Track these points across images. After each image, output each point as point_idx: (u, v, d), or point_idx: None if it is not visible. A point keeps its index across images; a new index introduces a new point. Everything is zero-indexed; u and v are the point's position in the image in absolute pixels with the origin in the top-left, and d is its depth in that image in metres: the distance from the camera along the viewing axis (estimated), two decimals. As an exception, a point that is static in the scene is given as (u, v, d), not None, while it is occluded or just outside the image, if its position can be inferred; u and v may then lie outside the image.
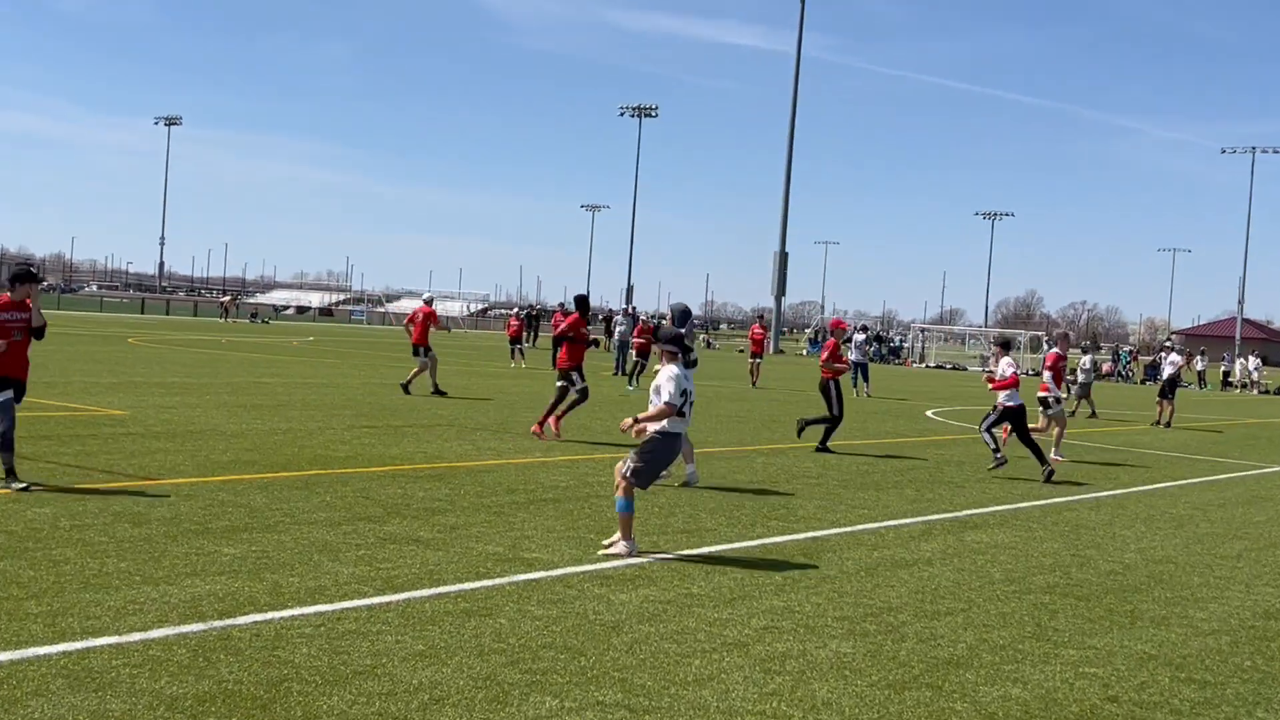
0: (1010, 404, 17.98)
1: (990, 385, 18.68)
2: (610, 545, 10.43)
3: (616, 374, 39.50)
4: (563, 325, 19.60)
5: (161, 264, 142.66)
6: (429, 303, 27.86)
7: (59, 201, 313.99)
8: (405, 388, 25.47)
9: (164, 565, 8.91)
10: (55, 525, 10.05)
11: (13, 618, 7.32)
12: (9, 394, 11.63)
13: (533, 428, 18.88)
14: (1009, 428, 18.61)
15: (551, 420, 18.82)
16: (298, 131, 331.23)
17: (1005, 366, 18.48)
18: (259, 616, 7.71)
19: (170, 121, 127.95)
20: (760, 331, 43.13)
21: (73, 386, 22.86)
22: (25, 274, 12.06)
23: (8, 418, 11.50)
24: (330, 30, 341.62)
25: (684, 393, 10.57)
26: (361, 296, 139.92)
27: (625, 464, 10.37)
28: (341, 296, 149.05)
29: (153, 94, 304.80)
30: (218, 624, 7.48)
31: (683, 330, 10.97)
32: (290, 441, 16.44)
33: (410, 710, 6.20)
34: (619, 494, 10.36)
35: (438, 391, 25.46)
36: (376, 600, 8.32)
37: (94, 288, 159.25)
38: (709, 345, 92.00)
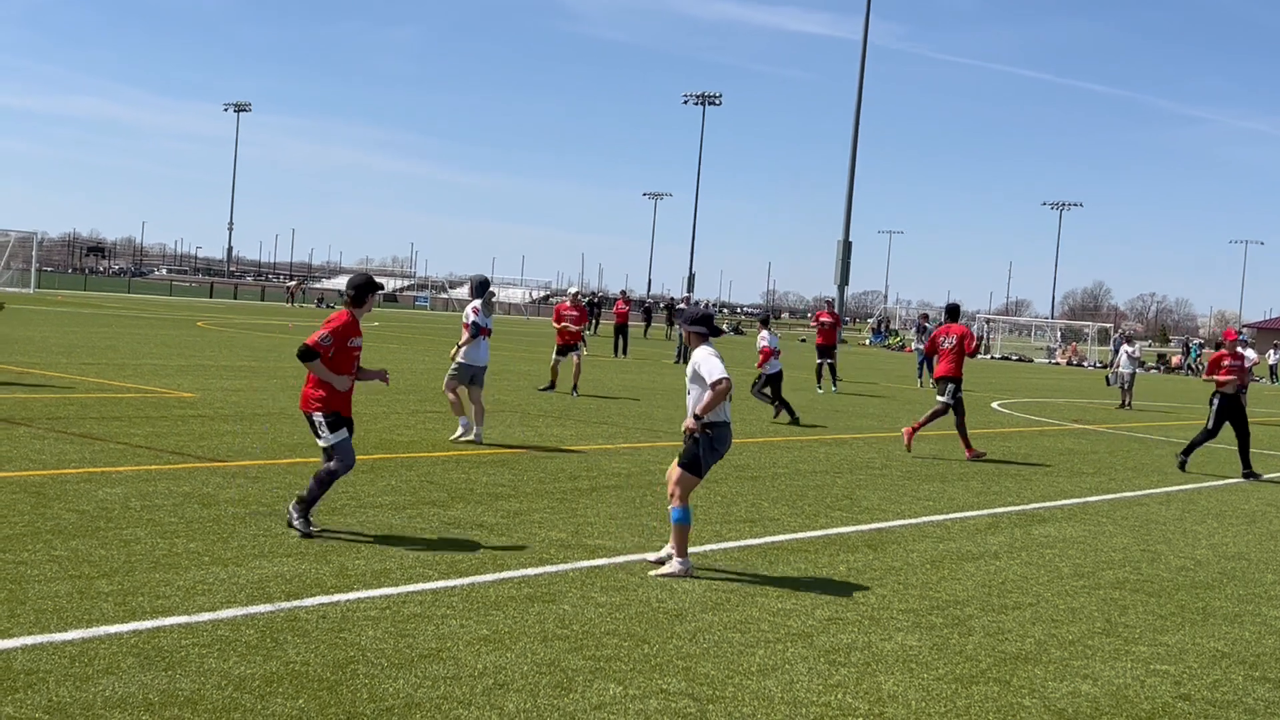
0: (770, 371, 22.31)
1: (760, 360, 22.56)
2: (660, 562, 9.45)
3: (678, 362, 39.46)
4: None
5: (230, 249, 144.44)
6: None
7: (130, 186, 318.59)
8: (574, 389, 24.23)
9: (232, 546, 9.00)
10: (126, 505, 10.17)
11: (84, 596, 7.41)
12: (345, 434, 9.96)
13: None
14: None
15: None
16: (364, 118, 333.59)
17: (761, 340, 22.76)
18: (325, 598, 7.76)
19: (240, 108, 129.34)
20: (826, 316, 40.92)
21: (144, 369, 23.15)
22: (368, 284, 10.26)
23: (347, 462, 9.87)
24: (398, 17, 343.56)
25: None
26: (425, 283, 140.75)
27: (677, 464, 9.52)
28: (405, 282, 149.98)
29: (223, 80, 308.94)
30: (285, 605, 7.54)
31: (707, 314, 9.97)
32: (356, 425, 16.52)
33: (475, 695, 6.21)
34: (675, 503, 9.30)
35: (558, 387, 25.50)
36: (441, 584, 8.35)
37: (163, 271, 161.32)
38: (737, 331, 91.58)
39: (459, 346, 16.31)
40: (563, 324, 24.77)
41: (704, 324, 9.74)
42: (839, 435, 20.43)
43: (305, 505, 9.60)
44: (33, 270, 73.73)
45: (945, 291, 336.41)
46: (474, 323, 16.36)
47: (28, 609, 7.07)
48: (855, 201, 79.17)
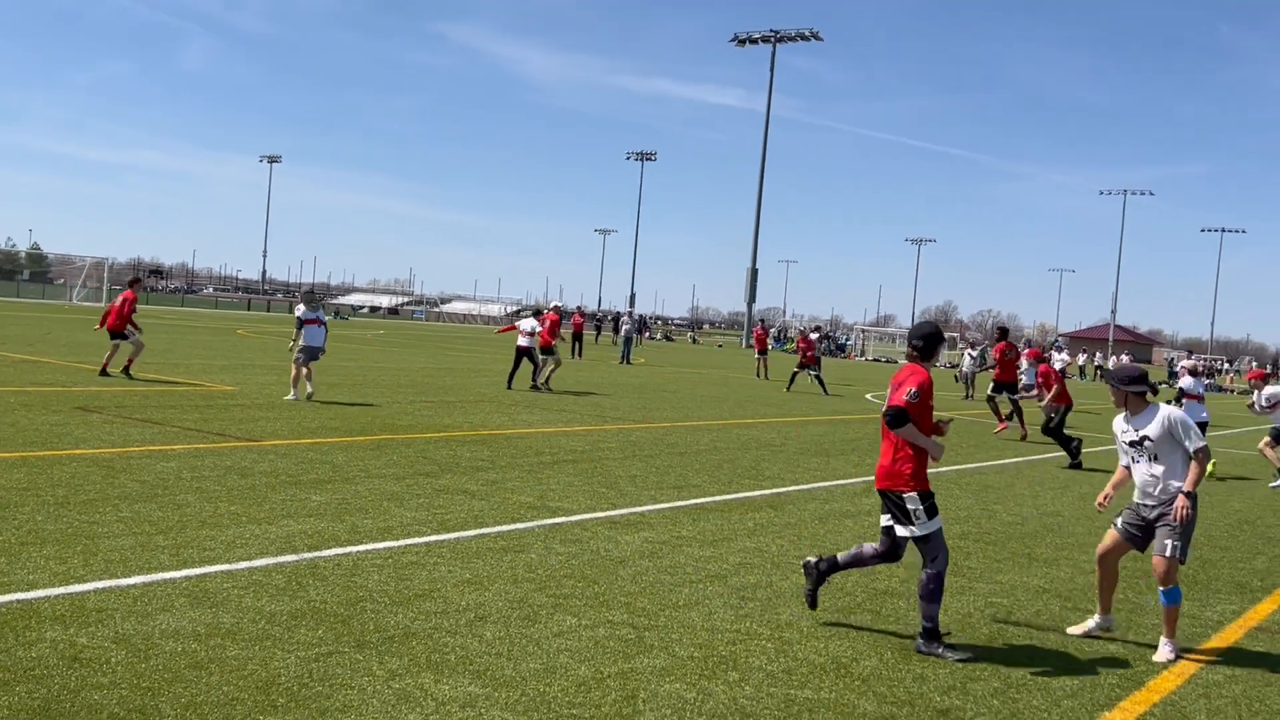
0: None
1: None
2: (1161, 651, 6.71)
3: (622, 363, 39.42)
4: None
5: (264, 271, 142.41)
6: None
7: (183, 221, 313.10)
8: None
9: (265, 509, 8.88)
10: (179, 476, 10.01)
11: (145, 549, 7.28)
12: (939, 520, 6.55)
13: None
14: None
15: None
16: (373, 167, 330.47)
17: (525, 323, 23.04)
18: (340, 550, 7.68)
19: (272, 160, 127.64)
20: (761, 332, 40.06)
21: (193, 367, 22.80)
22: (938, 335, 6.73)
23: (945, 556, 6.51)
24: (401, 88, 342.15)
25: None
26: (421, 299, 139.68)
27: (1165, 545, 6.79)
28: (405, 299, 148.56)
29: (258, 137, 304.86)
30: (307, 555, 7.45)
31: (1145, 371, 7.20)
32: (365, 413, 16.40)
33: (459, 625, 6.17)
34: (1166, 584, 6.75)
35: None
36: (433, 539, 8.29)
37: (210, 290, 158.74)
38: (693, 340, 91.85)
39: (293, 341, 17.80)
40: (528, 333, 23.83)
41: (1142, 383, 7.03)
42: (747, 420, 20.49)
43: (932, 634, 6.40)
44: (104, 288, 72.96)
45: (830, 307, 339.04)
46: (298, 318, 17.94)
47: (99, 559, 6.94)
48: (760, 236, 79.45)
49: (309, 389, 17.60)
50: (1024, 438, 20.47)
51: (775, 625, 6.70)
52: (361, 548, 7.81)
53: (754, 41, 77.21)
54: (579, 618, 6.50)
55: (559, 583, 7.27)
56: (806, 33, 75.50)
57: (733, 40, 78.18)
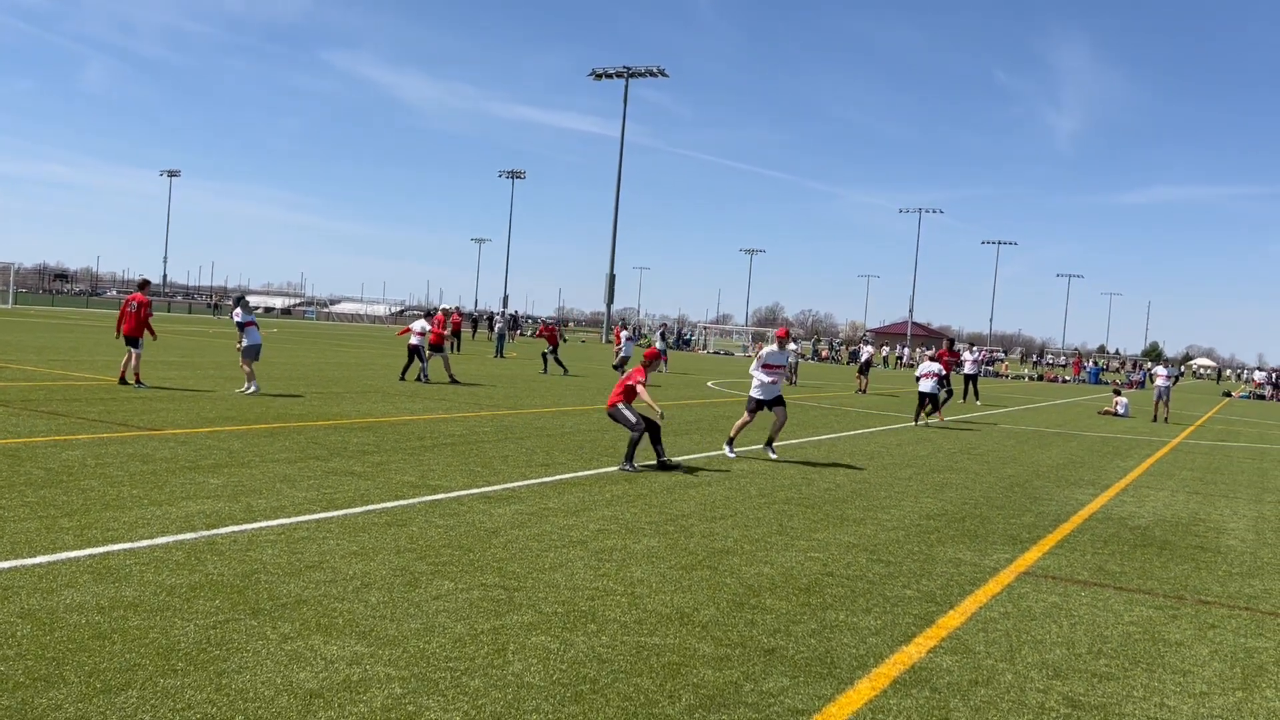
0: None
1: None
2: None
3: (496, 356, 39.00)
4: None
5: (165, 275, 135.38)
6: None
7: (86, 229, 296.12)
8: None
9: (165, 491, 8.47)
10: (84, 463, 9.47)
11: (50, 530, 6.87)
12: None
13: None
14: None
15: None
16: (264, 180, 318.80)
17: (417, 324, 22.56)
18: (236, 528, 7.39)
19: (172, 174, 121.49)
20: (620, 329, 41.12)
21: (97, 363, 21.59)
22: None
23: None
24: (289, 110, 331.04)
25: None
26: (312, 301, 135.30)
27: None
28: (297, 300, 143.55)
29: (158, 151, 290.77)
30: (205, 533, 7.14)
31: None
32: (259, 403, 15.81)
33: (347, 592, 6.01)
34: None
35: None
36: (323, 515, 8.05)
37: (114, 293, 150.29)
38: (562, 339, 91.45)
39: (238, 344, 17.42)
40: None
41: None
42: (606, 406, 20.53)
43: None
44: (10, 291, 68.45)
45: (677, 307, 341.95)
46: (238, 323, 17.61)
47: (4, 541, 6.51)
48: (617, 245, 79.73)
49: (253, 386, 17.20)
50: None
51: (628, 582, 6.74)
52: (256, 525, 7.53)
53: (609, 76, 77.25)
54: (456, 582, 6.41)
55: (438, 552, 7.16)
56: (655, 69, 75.92)
57: (591, 74, 78.08)
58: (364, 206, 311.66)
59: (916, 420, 21.76)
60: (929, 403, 21.35)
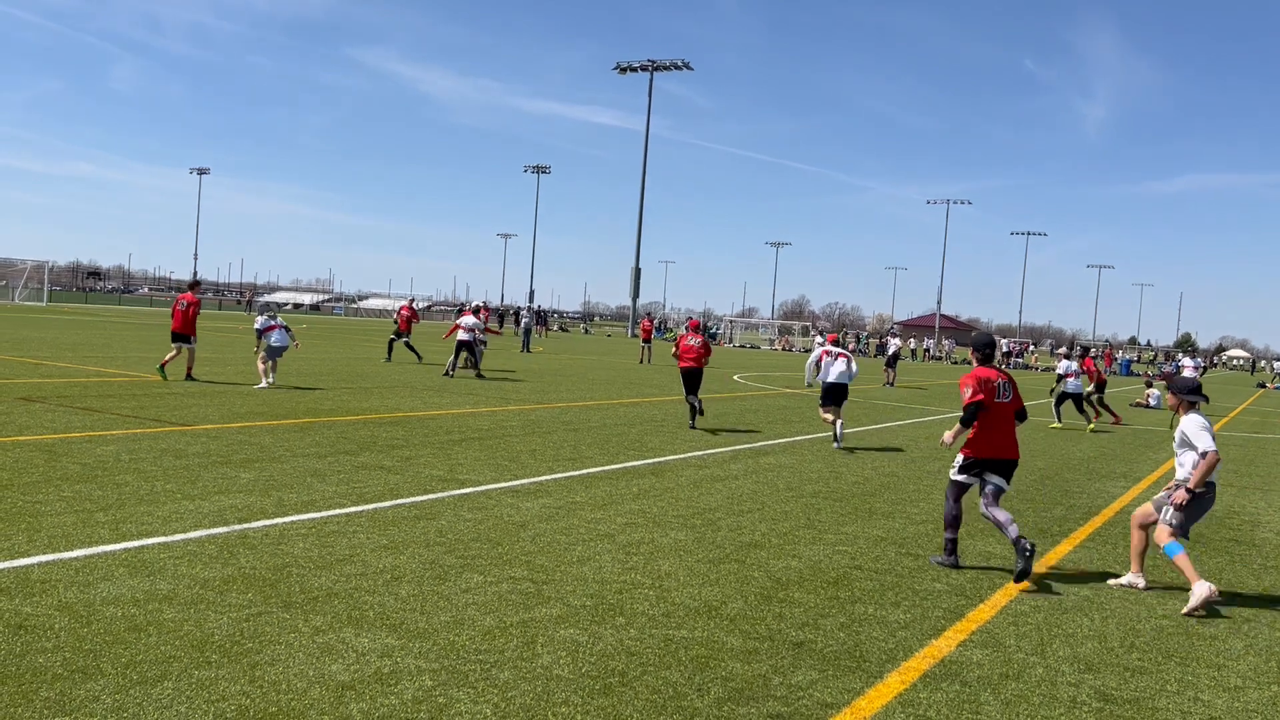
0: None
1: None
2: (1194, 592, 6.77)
3: (522, 351, 39.13)
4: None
5: (195, 272, 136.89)
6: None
7: (118, 227, 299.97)
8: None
9: (198, 486, 8.58)
10: (118, 459, 9.61)
11: (86, 525, 6.98)
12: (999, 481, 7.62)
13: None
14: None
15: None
16: (292, 178, 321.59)
17: (466, 319, 22.82)
18: (268, 522, 7.47)
19: (201, 171, 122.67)
20: (648, 325, 40.58)
21: (130, 360, 21.87)
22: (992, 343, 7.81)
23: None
24: (315, 108, 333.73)
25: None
26: (340, 296, 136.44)
27: (1164, 513, 7.20)
28: (326, 296, 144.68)
29: (188, 150, 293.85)
30: (238, 527, 7.23)
31: (1199, 383, 7.51)
32: (290, 398, 15.96)
33: (377, 585, 6.06)
34: (1160, 543, 7.10)
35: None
36: (353, 510, 8.12)
37: (146, 290, 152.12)
38: (586, 331, 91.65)
39: (257, 348, 17.85)
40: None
41: (1197, 394, 7.40)
42: (633, 400, 20.56)
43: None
44: (45, 289, 69.48)
45: (703, 301, 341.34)
46: (256, 329, 17.95)
47: (42, 535, 6.62)
48: (643, 239, 79.68)
49: (272, 378, 17.67)
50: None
51: (656, 575, 6.75)
52: (287, 519, 7.61)
53: (634, 70, 77.19)
54: (484, 575, 6.45)
55: (466, 545, 7.20)
56: (679, 63, 75.79)
57: (615, 68, 78.05)
58: (390, 202, 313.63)
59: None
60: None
